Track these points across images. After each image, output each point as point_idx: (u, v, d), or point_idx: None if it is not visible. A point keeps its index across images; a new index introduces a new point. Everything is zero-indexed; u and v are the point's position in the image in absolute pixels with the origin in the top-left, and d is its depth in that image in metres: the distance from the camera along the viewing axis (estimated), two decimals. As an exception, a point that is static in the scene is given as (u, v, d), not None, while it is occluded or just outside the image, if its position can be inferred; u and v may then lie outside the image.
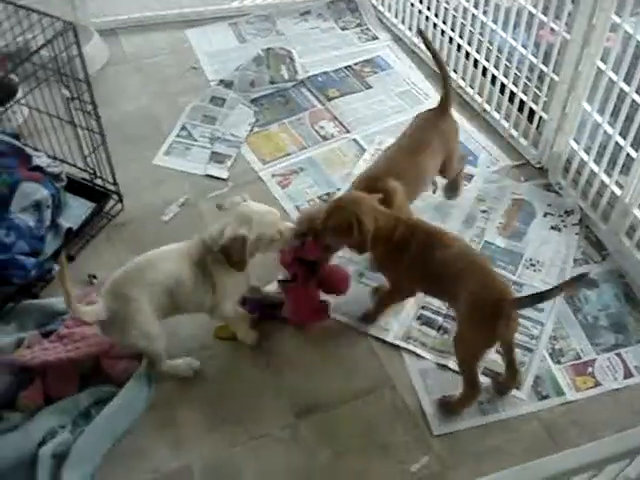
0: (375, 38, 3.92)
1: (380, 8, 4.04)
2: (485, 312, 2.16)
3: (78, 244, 2.87)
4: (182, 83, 3.64)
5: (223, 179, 3.14)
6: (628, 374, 2.49)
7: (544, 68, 2.98)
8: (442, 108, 2.74)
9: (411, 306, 2.65)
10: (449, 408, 2.38)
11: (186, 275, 2.30)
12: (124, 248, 2.86)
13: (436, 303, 2.65)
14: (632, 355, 2.54)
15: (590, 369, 2.51)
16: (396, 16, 3.92)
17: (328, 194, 3.05)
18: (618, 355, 2.54)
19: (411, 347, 2.55)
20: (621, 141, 2.68)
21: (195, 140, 3.31)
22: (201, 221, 2.95)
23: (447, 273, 2.25)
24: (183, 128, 3.37)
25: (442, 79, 2.76)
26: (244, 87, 3.53)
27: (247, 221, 2.28)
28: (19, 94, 3.08)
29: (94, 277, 2.73)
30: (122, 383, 2.39)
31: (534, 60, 3.02)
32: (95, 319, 2.26)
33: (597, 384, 2.47)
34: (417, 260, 2.29)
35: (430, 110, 2.78)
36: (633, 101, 2.57)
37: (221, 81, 3.61)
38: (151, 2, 4.05)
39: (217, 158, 3.22)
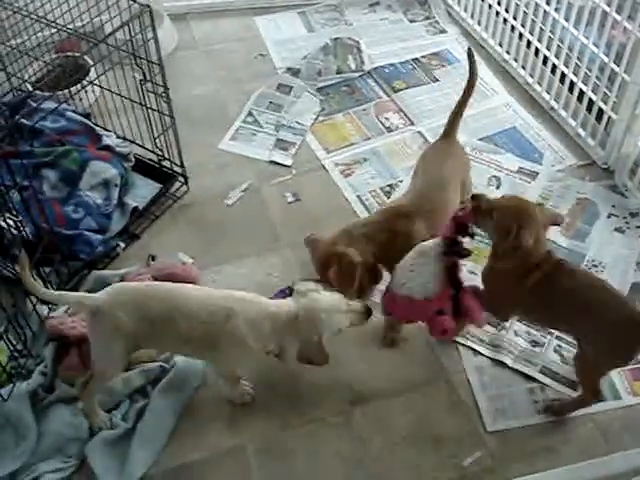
0: (443, 31, 3.90)
1: (449, 1, 4.01)
2: (630, 339, 2.15)
3: (143, 223, 2.93)
4: (250, 70, 3.68)
5: (287, 166, 3.17)
6: (687, 382, 2.46)
7: (615, 68, 2.93)
8: (449, 136, 2.71)
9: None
10: (558, 410, 2.37)
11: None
12: (188, 229, 2.92)
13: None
14: (693, 362, 2.50)
15: (649, 374, 2.48)
16: (465, 10, 3.89)
17: (390, 185, 3.05)
18: (679, 362, 2.51)
19: (468, 342, 2.54)
20: (693, 145, 2.64)
21: (261, 126, 3.35)
22: (264, 207, 2.99)
23: (574, 303, 2.20)
24: (249, 114, 3.41)
25: (459, 104, 2.72)
26: (311, 76, 3.56)
27: (315, 321, 2.17)
28: (92, 75, 3.15)
29: (152, 258, 2.79)
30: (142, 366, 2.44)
31: (605, 59, 2.98)
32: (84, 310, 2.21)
33: (655, 390, 2.44)
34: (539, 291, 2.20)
35: (438, 141, 2.74)
36: None
37: (288, 69, 3.63)
38: (222, -12, 4.09)
39: (282, 145, 3.25)
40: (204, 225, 2.92)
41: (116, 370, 2.26)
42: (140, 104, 2.88)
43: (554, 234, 2.86)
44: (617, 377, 2.45)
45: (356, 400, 2.40)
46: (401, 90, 3.52)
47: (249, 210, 2.98)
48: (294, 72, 3.60)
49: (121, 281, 2.65)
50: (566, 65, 3.22)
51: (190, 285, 2.36)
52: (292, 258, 2.78)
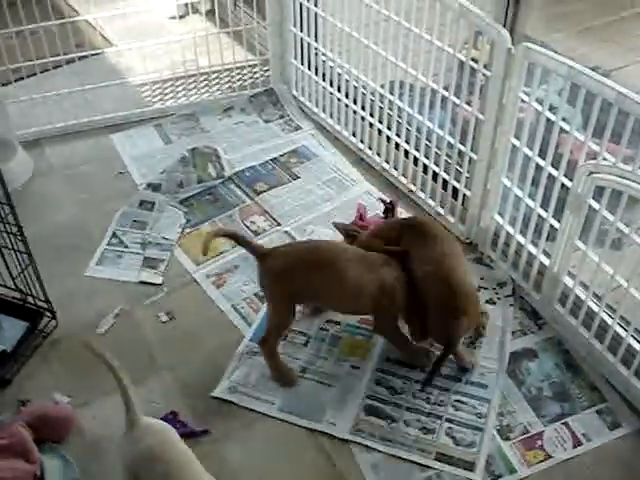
0: (298, 128, 3.98)
1: (301, 98, 4.12)
2: None
3: (14, 367, 2.79)
4: (110, 190, 3.63)
5: (158, 284, 3.11)
6: (577, 443, 2.50)
7: (462, 147, 3.05)
8: None
9: (357, 397, 2.64)
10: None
11: None
12: (61, 366, 2.80)
13: (382, 391, 2.65)
14: (579, 423, 2.55)
15: (539, 442, 2.51)
16: (317, 105, 3.99)
17: (264, 289, 3.04)
18: (565, 424, 2.55)
19: (360, 440, 2.51)
20: (543, 213, 2.75)
21: (126, 247, 3.29)
22: (138, 330, 2.92)
23: None
24: (114, 235, 3.34)
25: None
26: (172, 189, 3.54)
27: None
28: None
29: (23, 403, 2.64)
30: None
31: (452, 140, 3.10)
32: None
33: (547, 457, 2.46)
34: None
35: None
36: (549, 174, 2.66)
37: (149, 185, 3.60)
38: (74, 110, 4.05)
39: (150, 263, 3.20)
40: (77, 359, 2.80)
41: None
42: (-5, 245, 2.80)
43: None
44: (509, 450, 2.48)
45: (252, 521, 2.33)
46: (264, 192, 3.55)
47: (123, 336, 2.89)
48: (155, 187, 3.57)
49: (-7, 434, 2.52)
50: (417, 148, 3.33)
51: None
52: (171, 380, 2.71)
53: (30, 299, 2.93)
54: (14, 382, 2.76)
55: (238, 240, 2.75)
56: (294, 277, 2.59)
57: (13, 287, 2.93)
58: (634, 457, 2.47)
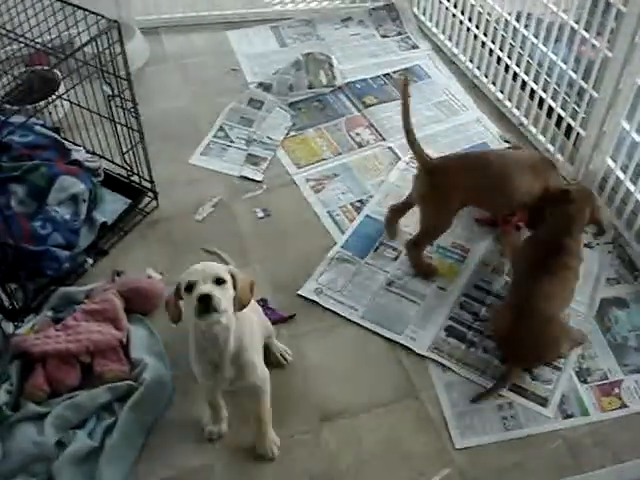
0: (415, 47, 3.92)
1: (421, 17, 4.04)
2: None
3: (112, 239, 2.90)
4: (221, 84, 3.67)
5: (258, 181, 3.16)
6: (655, 397, 2.47)
7: (584, 84, 2.95)
8: None
9: (439, 317, 2.66)
10: None
11: None
12: (156, 245, 2.90)
13: (465, 316, 2.66)
14: (660, 379, 2.52)
15: (617, 390, 2.48)
16: (437, 26, 3.91)
17: (361, 201, 3.05)
18: (646, 377, 2.52)
19: (438, 358, 2.54)
20: (659, 162, 2.66)
21: (232, 141, 3.34)
22: (234, 222, 2.98)
23: None
24: (220, 129, 3.40)
25: None
26: (282, 91, 3.55)
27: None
28: (61, 89, 3.13)
29: (118, 274, 2.76)
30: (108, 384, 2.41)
31: (574, 76, 3.00)
32: None
33: (623, 405, 2.44)
34: None
35: None
36: (673, 122, 2.56)
37: (260, 84, 3.63)
38: (194, 2, 4.08)
39: (252, 160, 3.24)
40: (173, 241, 2.91)
41: None
42: (109, 119, 2.86)
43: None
44: (585, 393, 2.46)
45: (325, 417, 2.39)
46: (372, 105, 3.52)
47: (219, 226, 2.96)
48: (266, 87, 3.60)
49: (87, 297, 2.64)
50: (535, 81, 3.24)
51: None
52: (261, 273, 2.76)
53: (135, 178, 3.01)
54: (111, 253, 2.87)
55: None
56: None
57: (120, 164, 3.01)
58: None
